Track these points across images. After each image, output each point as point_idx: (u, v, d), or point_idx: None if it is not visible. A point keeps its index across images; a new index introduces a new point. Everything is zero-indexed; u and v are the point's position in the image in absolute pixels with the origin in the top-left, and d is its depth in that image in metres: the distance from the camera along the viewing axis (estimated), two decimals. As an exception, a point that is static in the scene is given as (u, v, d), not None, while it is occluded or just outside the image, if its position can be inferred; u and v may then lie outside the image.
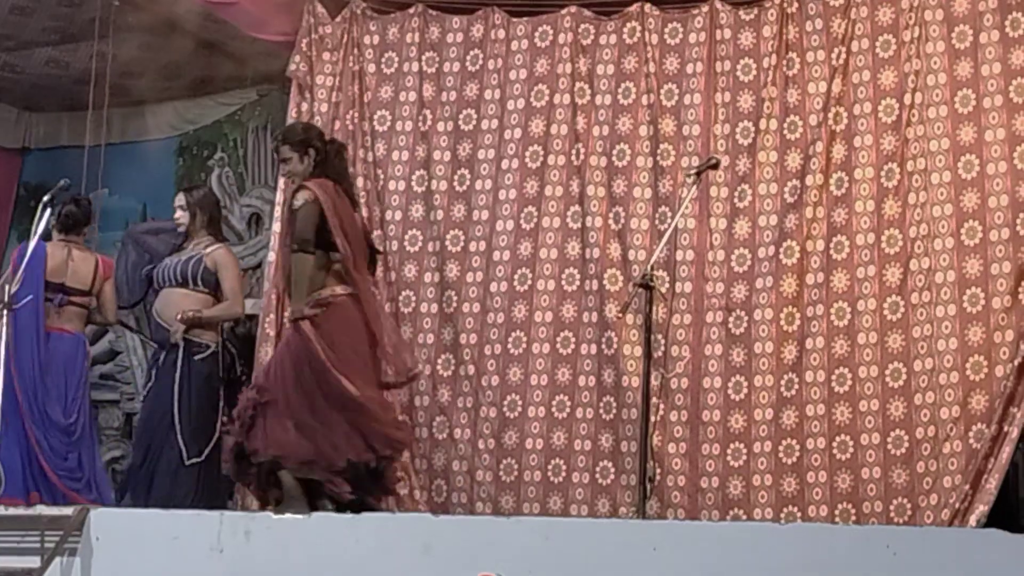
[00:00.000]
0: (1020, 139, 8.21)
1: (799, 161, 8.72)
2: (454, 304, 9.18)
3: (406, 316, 9.27)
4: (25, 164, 12.18)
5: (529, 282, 9.05)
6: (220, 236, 9.44)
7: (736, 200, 8.80)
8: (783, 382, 8.55)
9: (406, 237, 9.36)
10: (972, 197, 8.27)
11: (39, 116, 12.14)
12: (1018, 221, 8.13)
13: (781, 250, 8.63)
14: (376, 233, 9.32)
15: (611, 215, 9.02)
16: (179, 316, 8.96)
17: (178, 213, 9.31)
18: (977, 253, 8.21)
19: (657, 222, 8.90)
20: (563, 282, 9.02)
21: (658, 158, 8.95)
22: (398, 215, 9.40)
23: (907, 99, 8.49)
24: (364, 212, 9.31)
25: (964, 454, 8.07)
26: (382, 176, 9.46)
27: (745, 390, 8.58)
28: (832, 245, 8.58)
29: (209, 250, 9.17)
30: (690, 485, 8.59)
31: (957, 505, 7.95)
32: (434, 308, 9.22)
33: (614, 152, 9.08)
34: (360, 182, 9.39)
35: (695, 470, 8.58)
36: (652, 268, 7.32)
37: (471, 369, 9.06)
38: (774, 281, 8.63)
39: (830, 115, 8.66)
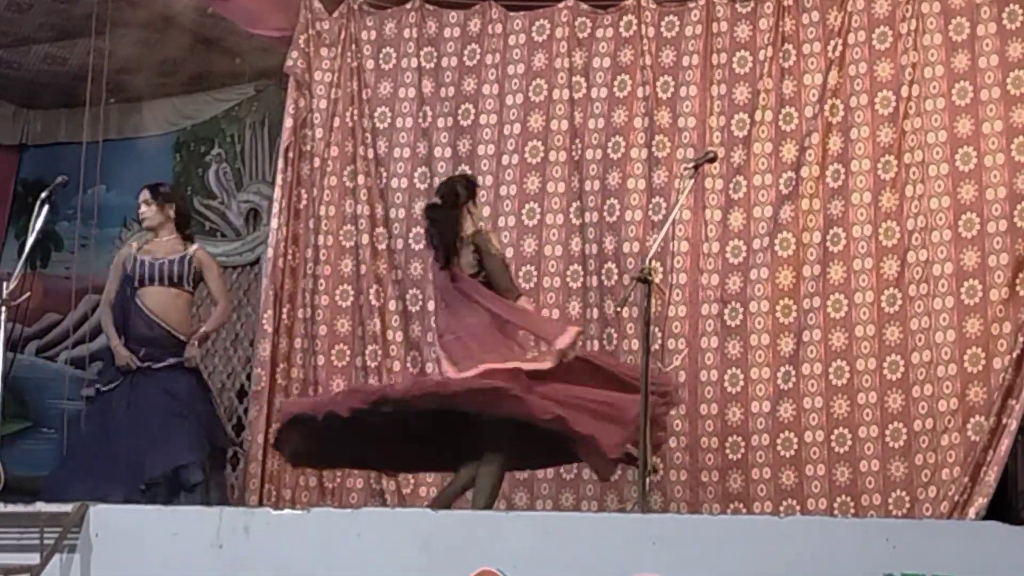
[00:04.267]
0: (1017, 131, 8.22)
1: (795, 153, 8.72)
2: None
3: (414, 314, 9.28)
4: (23, 161, 12.19)
5: (534, 279, 9.06)
6: (188, 234, 9.31)
7: (731, 191, 8.80)
8: (780, 374, 8.55)
9: (411, 235, 9.36)
10: (970, 189, 8.28)
11: (36, 113, 12.15)
12: (1015, 213, 8.14)
13: (776, 242, 8.64)
14: (379, 231, 9.34)
15: (606, 208, 9.02)
16: (195, 340, 8.93)
17: (143, 208, 9.26)
18: (975, 245, 8.22)
19: (651, 213, 8.90)
20: (568, 279, 9.03)
21: (653, 150, 8.95)
22: (402, 213, 9.42)
23: (904, 91, 8.49)
24: (366, 210, 9.34)
25: (962, 446, 8.08)
26: (384, 174, 9.46)
27: (742, 383, 8.59)
28: (829, 237, 8.58)
29: (192, 250, 9.14)
30: (691, 479, 8.60)
31: (956, 498, 7.96)
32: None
33: (609, 145, 9.08)
34: (361, 180, 9.41)
35: (695, 463, 8.59)
36: (650, 262, 7.31)
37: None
38: (770, 273, 8.64)
39: (826, 107, 8.66)
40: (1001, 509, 7.97)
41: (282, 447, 8.16)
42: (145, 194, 9.27)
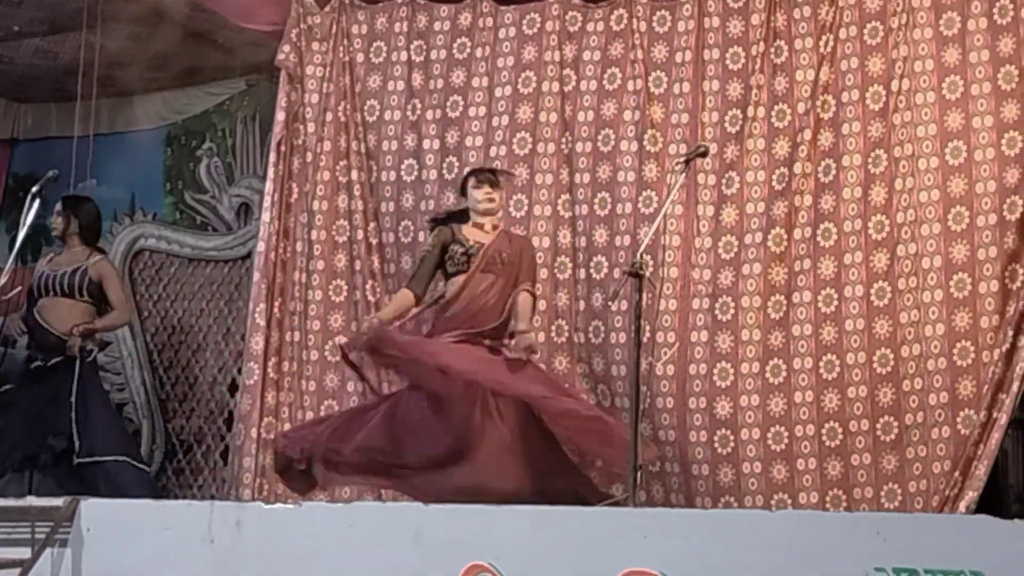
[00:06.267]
0: (1007, 126, 8.22)
1: (787, 149, 8.72)
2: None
3: (406, 308, 9.29)
4: (13, 155, 12.17)
5: (522, 269, 9.05)
6: (96, 246, 9.73)
7: (723, 187, 8.80)
8: (769, 368, 8.55)
9: (400, 228, 9.37)
10: (959, 183, 8.28)
11: (27, 107, 12.13)
12: (1005, 207, 8.15)
13: (769, 237, 8.64)
14: (372, 226, 9.35)
15: (596, 201, 9.03)
16: (76, 330, 9.36)
17: (56, 219, 9.67)
18: (964, 238, 8.22)
19: (642, 207, 8.89)
20: (556, 270, 9.02)
21: (645, 143, 8.95)
22: (391, 206, 9.42)
23: (894, 86, 8.48)
24: (360, 205, 9.35)
25: (953, 440, 8.09)
26: (375, 167, 9.46)
27: (731, 377, 8.59)
28: (819, 232, 8.57)
29: (92, 261, 9.52)
30: (683, 472, 8.60)
31: (947, 492, 7.98)
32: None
33: (599, 137, 9.08)
34: (354, 175, 9.41)
35: (685, 457, 8.59)
36: (641, 256, 7.32)
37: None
38: (761, 268, 8.63)
39: (818, 103, 8.65)
40: (991, 503, 7.99)
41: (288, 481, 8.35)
42: (59, 204, 9.67)
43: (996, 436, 7.95)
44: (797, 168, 8.64)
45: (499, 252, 8.25)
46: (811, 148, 8.63)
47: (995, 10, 8.31)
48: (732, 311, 8.66)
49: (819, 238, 8.56)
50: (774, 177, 8.70)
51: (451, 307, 8.19)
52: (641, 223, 8.81)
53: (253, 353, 9.24)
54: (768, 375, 8.54)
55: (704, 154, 8.10)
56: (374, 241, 9.36)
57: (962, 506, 7.88)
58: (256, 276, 9.38)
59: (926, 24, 8.46)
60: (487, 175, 8.42)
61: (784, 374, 8.51)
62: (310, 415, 9.24)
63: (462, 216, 8.39)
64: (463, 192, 8.44)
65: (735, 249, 8.72)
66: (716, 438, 8.54)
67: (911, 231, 8.36)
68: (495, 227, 8.34)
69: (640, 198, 8.90)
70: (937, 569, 5.79)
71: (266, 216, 9.41)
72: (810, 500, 8.33)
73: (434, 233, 8.38)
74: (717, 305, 8.68)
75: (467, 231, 8.30)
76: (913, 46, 8.47)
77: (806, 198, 8.62)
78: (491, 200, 8.32)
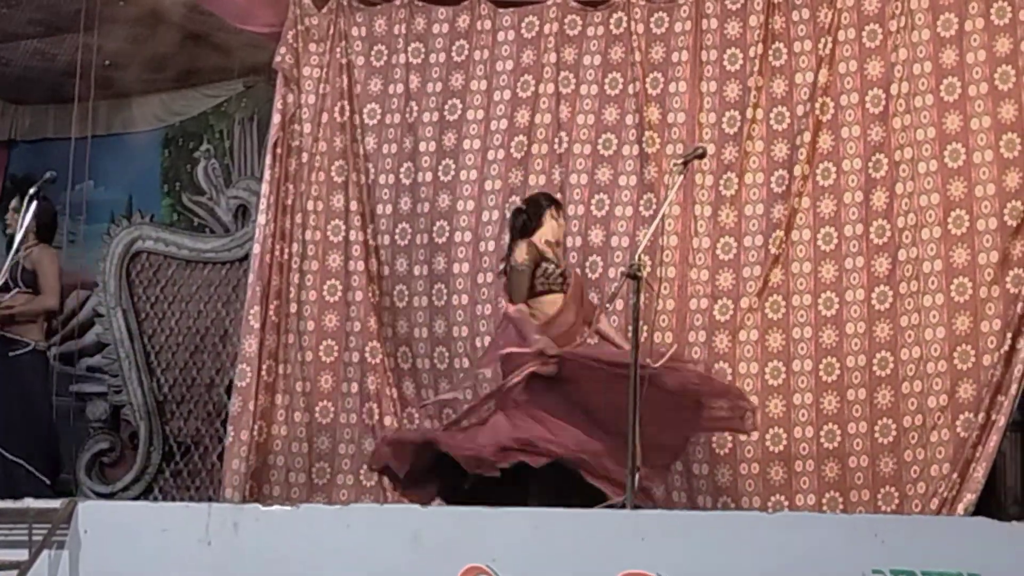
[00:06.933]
0: (1006, 127, 8.20)
1: (786, 151, 8.71)
2: (444, 297, 9.18)
3: (400, 310, 9.29)
4: (11, 156, 12.17)
5: (517, 270, 9.04)
6: (47, 239, 9.82)
7: (722, 188, 8.79)
8: (769, 370, 8.55)
9: (396, 231, 9.37)
10: (959, 186, 8.27)
11: (25, 108, 12.14)
12: (1005, 210, 8.13)
13: (769, 240, 8.63)
14: (370, 228, 9.35)
15: (594, 202, 9.02)
16: None
17: (12, 215, 9.80)
18: (964, 242, 8.21)
19: (642, 208, 8.89)
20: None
21: (643, 145, 8.95)
22: (388, 208, 9.41)
23: (893, 89, 8.48)
24: (355, 206, 9.35)
25: (952, 443, 8.08)
26: (372, 170, 9.46)
27: (730, 378, 8.57)
28: (820, 236, 8.56)
29: (28, 250, 9.54)
30: (685, 470, 8.58)
31: (945, 494, 7.97)
32: (424, 301, 9.23)
33: (600, 141, 9.08)
34: (355, 176, 9.41)
35: (686, 455, 8.57)
36: (639, 258, 7.31)
37: (465, 362, 9.06)
38: (761, 271, 8.63)
39: (817, 105, 8.64)
40: (990, 505, 7.98)
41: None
42: (15, 201, 9.76)
43: (995, 439, 7.94)
44: (796, 171, 8.63)
45: (577, 275, 8.36)
46: (810, 151, 8.62)
47: (992, 11, 8.29)
48: (731, 312, 8.65)
49: (819, 242, 8.55)
50: (773, 179, 8.70)
51: (550, 328, 8.07)
52: (641, 225, 8.81)
53: (247, 355, 9.22)
54: (768, 377, 8.53)
55: (702, 156, 8.09)
56: (371, 243, 9.36)
57: (960, 508, 7.86)
58: (251, 278, 9.36)
59: (924, 26, 8.46)
60: (562, 210, 8.47)
61: (784, 376, 8.50)
62: (305, 417, 9.24)
63: (529, 229, 8.31)
64: (535, 212, 8.32)
65: (734, 251, 8.71)
66: (715, 439, 8.53)
67: (912, 235, 8.35)
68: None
69: (641, 201, 8.89)
70: (934, 571, 5.78)
71: (262, 218, 9.40)
72: (807, 502, 8.33)
73: (525, 248, 8.20)
74: (716, 306, 8.68)
75: (549, 251, 8.28)
76: (912, 49, 8.47)
77: (805, 201, 8.61)
78: (560, 238, 8.38)
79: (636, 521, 6.38)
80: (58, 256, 9.99)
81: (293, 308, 9.37)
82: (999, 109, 8.22)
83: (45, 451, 9.77)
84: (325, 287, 9.39)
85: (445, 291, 9.19)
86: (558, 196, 8.95)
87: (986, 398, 7.98)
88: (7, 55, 11.10)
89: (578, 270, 8.65)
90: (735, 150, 8.79)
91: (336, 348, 9.30)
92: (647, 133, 8.95)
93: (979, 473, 7.92)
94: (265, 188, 9.44)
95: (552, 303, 8.14)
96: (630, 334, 7.38)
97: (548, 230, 8.29)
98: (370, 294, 9.31)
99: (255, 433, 9.11)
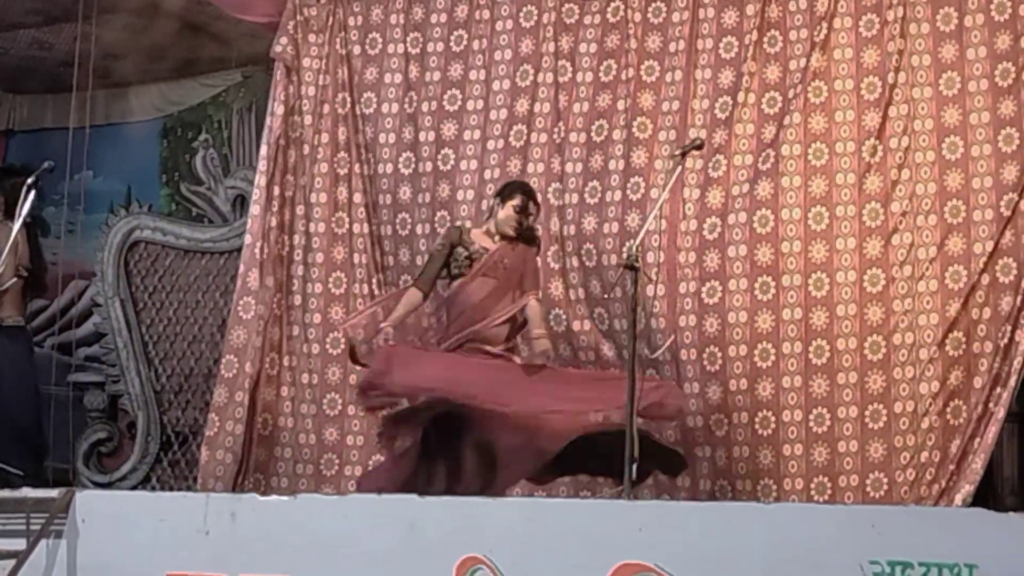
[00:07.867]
0: (1005, 122, 8.20)
1: (774, 132, 8.67)
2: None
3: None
4: (9, 146, 12.17)
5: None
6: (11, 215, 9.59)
7: (710, 170, 8.74)
8: (758, 352, 8.53)
9: (397, 220, 9.38)
10: (956, 177, 8.27)
11: (23, 98, 12.13)
12: (1002, 203, 8.14)
13: (755, 219, 8.58)
14: (373, 218, 9.34)
15: (587, 190, 9.01)
16: None
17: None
18: (960, 232, 8.22)
19: (630, 193, 8.87)
20: (549, 259, 9.00)
21: (634, 130, 8.93)
22: (388, 199, 9.41)
23: (890, 78, 8.47)
24: (358, 198, 9.35)
25: (941, 429, 8.10)
26: (372, 159, 9.46)
27: (720, 361, 8.56)
28: (811, 216, 8.52)
29: None
30: (688, 454, 8.53)
31: (936, 484, 7.97)
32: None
33: (593, 128, 9.07)
34: (357, 168, 9.41)
35: (687, 440, 8.56)
36: (636, 249, 7.31)
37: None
38: (748, 250, 8.56)
39: (809, 88, 8.61)
40: (986, 496, 7.99)
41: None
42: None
43: (993, 430, 7.93)
44: (785, 150, 8.58)
45: (502, 258, 8.22)
46: (801, 131, 8.57)
47: (992, 6, 8.29)
48: (720, 294, 8.61)
49: (811, 222, 8.51)
50: (760, 159, 8.65)
51: (448, 310, 8.17)
52: (629, 210, 8.80)
53: (232, 346, 9.22)
54: (757, 359, 8.50)
55: (700, 147, 8.10)
56: (377, 233, 9.36)
57: (958, 499, 7.86)
58: (241, 269, 9.35)
59: (923, 19, 8.45)
60: (529, 202, 8.31)
61: (773, 358, 8.46)
62: (313, 409, 9.24)
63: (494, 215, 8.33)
64: (500, 196, 8.33)
65: (719, 230, 8.65)
66: (712, 421, 8.52)
67: (907, 221, 8.35)
68: (504, 238, 8.29)
69: (629, 185, 8.87)
70: (932, 562, 5.79)
71: (255, 209, 9.39)
72: (795, 487, 8.30)
73: (445, 232, 8.35)
74: (704, 289, 8.63)
75: (475, 235, 8.27)
76: (909, 40, 8.46)
77: (795, 180, 8.56)
78: (518, 225, 8.26)
79: (633, 512, 6.39)
80: (26, 234, 9.68)
81: (298, 300, 9.37)
82: (999, 105, 8.22)
83: (21, 435, 9.66)
84: (331, 279, 9.39)
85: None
86: (555, 185, 8.96)
87: (985, 389, 7.98)
88: (5, 44, 11.09)
89: (533, 251, 8.43)
90: (725, 133, 8.76)
91: (343, 340, 9.28)
92: (640, 119, 8.93)
93: (977, 464, 7.92)
94: (259, 179, 9.43)
95: (453, 287, 8.24)
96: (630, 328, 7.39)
97: (502, 216, 8.23)
98: (375, 285, 9.31)
99: (257, 426, 9.12)
